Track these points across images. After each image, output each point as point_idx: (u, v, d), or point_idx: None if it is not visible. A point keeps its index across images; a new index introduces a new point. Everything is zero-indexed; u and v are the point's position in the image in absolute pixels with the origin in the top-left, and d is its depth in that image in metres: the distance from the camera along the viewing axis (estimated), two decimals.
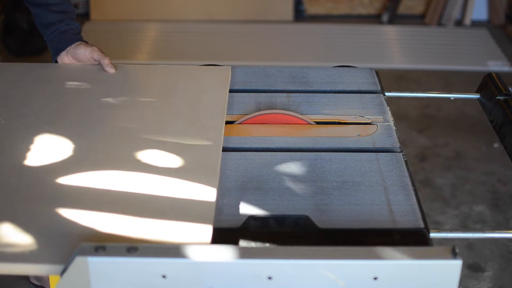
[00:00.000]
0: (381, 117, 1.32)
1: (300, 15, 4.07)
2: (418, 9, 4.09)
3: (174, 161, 1.14)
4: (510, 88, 1.44)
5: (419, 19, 4.04)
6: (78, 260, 0.86)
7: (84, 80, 1.42)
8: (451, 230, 1.98)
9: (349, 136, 1.25)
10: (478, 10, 3.99)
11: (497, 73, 1.50)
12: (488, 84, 1.47)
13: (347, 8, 4.10)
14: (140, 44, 3.56)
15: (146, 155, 1.16)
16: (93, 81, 1.42)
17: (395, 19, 4.02)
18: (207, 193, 1.06)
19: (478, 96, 1.50)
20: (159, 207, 1.03)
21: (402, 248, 0.87)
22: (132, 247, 0.87)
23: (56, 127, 1.24)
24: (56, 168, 1.12)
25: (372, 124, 1.29)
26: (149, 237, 0.96)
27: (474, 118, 2.99)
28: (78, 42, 1.50)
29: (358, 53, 3.59)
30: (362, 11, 4.11)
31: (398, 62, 3.52)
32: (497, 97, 1.41)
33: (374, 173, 1.13)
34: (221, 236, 0.97)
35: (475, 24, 3.96)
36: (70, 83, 1.41)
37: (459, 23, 3.97)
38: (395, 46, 3.71)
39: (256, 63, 3.32)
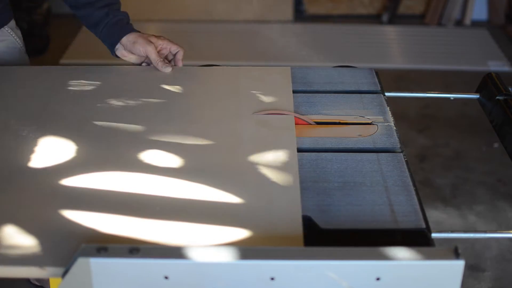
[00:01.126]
0: (381, 117, 1.32)
1: (300, 15, 4.07)
2: (418, 9, 4.09)
3: (249, 161, 1.15)
4: (510, 88, 1.45)
5: (419, 19, 4.04)
6: (80, 261, 0.86)
7: (131, 80, 1.43)
8: (451, 230, 1.97)
9: (350, 137, 1.25)
10: (478, 10, 3.99)
11: (497, 73, 1.51)
12: (488, 84, 1.47)
13: (347, 8, 4.10)
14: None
15: (223, 156, 1.16)
16: (146, 81, 1.43)
17: (395, 19, 4.02)
18: (291, 194, 1.06)
19: (478, 96, 1.50)
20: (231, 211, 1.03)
21: (404, 248, 0.87)
22: (134, 248, 0.87)
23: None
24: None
25: (373, 124, 1.29)
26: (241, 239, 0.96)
27: (474, 118, 2.99)
28: (130, 33, 1.47)
29: (358, 53, 3.59)
30: (362, 11, 4.11)
31: (398, 62, 3.52)
32: (497, 97, 1.41)
33: (375, 173, 1.13)
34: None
35: (475, 24, 3.96)
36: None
37: (459, 23, 3.97)
38: (395, 46, 3.71)
39: (256, 63, 3.32)
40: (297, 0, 4.05)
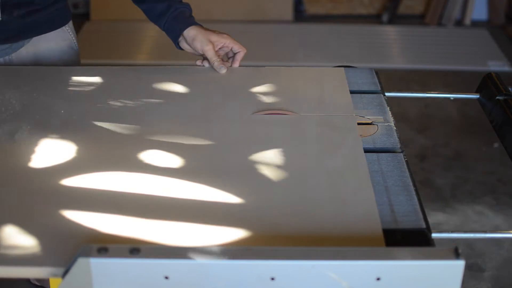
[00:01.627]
0: (381, 117, 1.32)
1: (300, 15, 4.07)
2: (418, 9, 4.09)
3: (318, 162, 1.14)
4: (510, 88, 1.45)
5: (419, 19, 4.05)
6: (80, 262, 0.86)
7: (186, 80, 1.44)
8: (451, 230, 1.97)
9: None
10: (478, 10, 4.00)
11: (497, 73, 1.51)
12: (487, 84, 1.47)
13: (347, 8, 4.11)
14: (140, 44, 3.56)
15: (288, 156, 1.16)
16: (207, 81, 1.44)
17: (395, 19, 4.02)
18: (365, 195, 1.06)
19: (478, 96, 1.50)
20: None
21: (404, 248, 0.87)
22: (134, 248, 0.87)
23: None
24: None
25: (373, 124, 1.29)
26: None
27: (474, 118, 2.99)
28: (190, 28, 1.47)
29: (358, 53, 3.59)
30: (362, 11, 4.11)
31: (398, 62, 3.52)
32: (497, 97, 1.41)
33: (375, 173, 1.13)
34: None
35: (475, 24, 3.96)
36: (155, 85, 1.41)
37: (459, 23, 3.98)
38: (395, 46, 3.71)
39: (256, 63, 3.32)
40: (297, 0, 4.05)
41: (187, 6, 1.51)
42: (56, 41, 1.58)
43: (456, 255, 0.86)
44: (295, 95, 1.39)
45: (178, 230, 0.98)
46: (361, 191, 1.07)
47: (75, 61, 1.64)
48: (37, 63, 1.56)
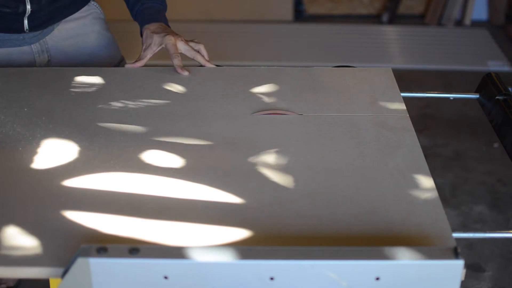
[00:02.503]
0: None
1: (300, 15, 4.07)
2: (418, 9, 4.09)
3: (378, 162, 1.15)
4: (509, 88, 1.45)
5: (419, 19, 4.05)
6: (80, 262, 0.86)
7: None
8: (451, 230, 1.97)
9: None
10: (478, 10, 4.00)
11: (496, 73, 1.51)
12: (487, 84, 1.47)
13: (347, 8, 4.10)
14: (140, 44, 3.56)
15: (341, 156, 1.17)
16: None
17: (395, 19, 4.02)
18: (429, 194, 1.06)
19: (478, 96, 1.50)
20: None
21: (404, 248, 0.87)
22: (134, 248, 0.87)
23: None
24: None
25: None
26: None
27: (474, 118, 2.99)
28: (147, 25, 1.53)
29: (358, 53, 3.59)
30: (362, 11, 4.11)
31: (398, 62, 3.52)
32: (497, 97, 1.41)
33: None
34: None
35: (475, 24, 3.96)
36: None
37: (459, 23, 3.98)
38: (395, 46, 3.71)
39: (256, 63, 3.32)
40: (297, 0, 4.05)
41: (158, 3, 1.57)
42: (84, 15, 1.64)
43: (456, 254, 0.86)
44: (346, 95, 1.38)
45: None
46: (425, 190, 1.07)
47: (104, 28, 1.70)
48: (71, 41, 1.62)
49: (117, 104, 1.33)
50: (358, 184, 1.09)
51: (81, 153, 1.17)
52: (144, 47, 1.52)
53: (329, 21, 4.01)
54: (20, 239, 0.95)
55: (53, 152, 1.17)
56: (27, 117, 1.28)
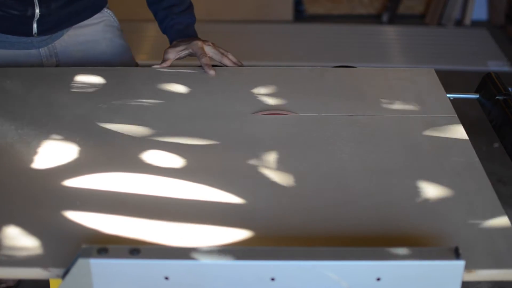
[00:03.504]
0: None
1: (300, 15, 4.07)
2: (418, 9, 4.09)
3: (433, 162, 1.15)
4: (509, 88, 1.45)
5: (419, 19, 4.04)
6: (80, 262, 0.86)
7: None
8: None
9: None
10: (478, 10, 4.00)
11: (496, 73, 1.51)
12: (487, 84, 1.47)
13: (347, 8, 4.11)
14: (140, 44, 3.56)
15: (397, 156, 1.17)
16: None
17: (395, 19, 4.02)
18: (487, 194, 1.07)
19: (478, 96, 1.50)
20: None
21: (405, 248, 0.87)
22: (134, 249, 0.87)
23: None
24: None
25: None
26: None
27: (474, 118, 2.98)
28: (175, 42, 1.53)
29: (358, 53, 3.59)
30: (362, 11, 4.11)
31: (398, 62, 3.52)
32: (497, 97, 1.41)
33: None
34: None
35: (475, 24, 3.96)
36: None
37: (459, 23, 3.98)
38: (395, 46, 3.71)
39: (256, 63, 3.32)
40: (297, 0, 4.05)
41: (187, 17, 1.57)
42: (96, 22, 1.63)
43: (457, 255, 0.86)
44: (393, 95, 1.38)
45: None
46: (482, 190, 1.08)
47: (117, 35, 1.68)
48: (81, 46, 1.60)
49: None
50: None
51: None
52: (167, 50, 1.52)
53: (329, 21, 4.01)
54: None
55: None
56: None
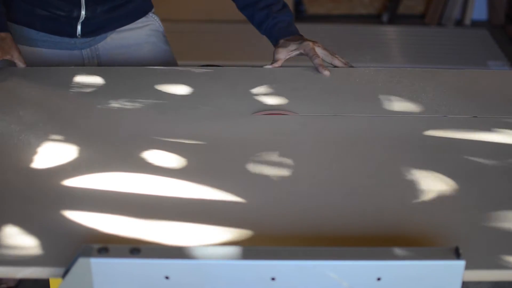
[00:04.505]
0: None
1: (300, 15, 4.07)
2: (418, 9, 4.09)
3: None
4: None
5: (419, 19, 4.04)
6: (81, 262, 0.86)
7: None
8: None
9: None
10: (478, 10, 4.00)
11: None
12: None
13: (347, 8, 4.10)
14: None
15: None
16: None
17: (395, 19, 4.02)
18: None
19: None
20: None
21: (405, 248, 0.87)
22: (135, 248, 0.87)
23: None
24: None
25: None
26: None
27: None
28: (283, 41, 1.52)
29: (358, 53, 3.59)
30: (362, 11, 4.11)
31: (398, 62, 3.52)
32: None
33: None
34: None
35: (475, 24, 3.96)
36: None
37: (459, 23, 3.97)
38: (395, 46, 3.71)
39: (256, 63, 3.32)
40: (297, 0, 4.05)
41: (285, 17, 1.55)
42: (140, 26, 1.63)
43: (457, 255, 0.86)
44: (476, 98, 1.38)
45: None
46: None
47: (161, 40, 1.67)
48: (123, 50, 1.60)
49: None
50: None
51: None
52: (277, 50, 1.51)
53: (329, 21, 4.01)
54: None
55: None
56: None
